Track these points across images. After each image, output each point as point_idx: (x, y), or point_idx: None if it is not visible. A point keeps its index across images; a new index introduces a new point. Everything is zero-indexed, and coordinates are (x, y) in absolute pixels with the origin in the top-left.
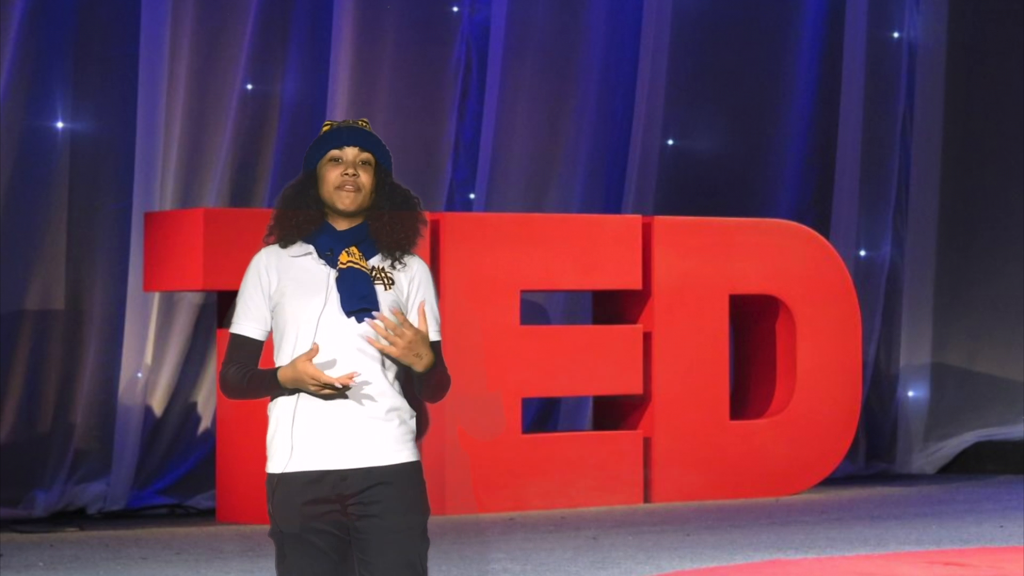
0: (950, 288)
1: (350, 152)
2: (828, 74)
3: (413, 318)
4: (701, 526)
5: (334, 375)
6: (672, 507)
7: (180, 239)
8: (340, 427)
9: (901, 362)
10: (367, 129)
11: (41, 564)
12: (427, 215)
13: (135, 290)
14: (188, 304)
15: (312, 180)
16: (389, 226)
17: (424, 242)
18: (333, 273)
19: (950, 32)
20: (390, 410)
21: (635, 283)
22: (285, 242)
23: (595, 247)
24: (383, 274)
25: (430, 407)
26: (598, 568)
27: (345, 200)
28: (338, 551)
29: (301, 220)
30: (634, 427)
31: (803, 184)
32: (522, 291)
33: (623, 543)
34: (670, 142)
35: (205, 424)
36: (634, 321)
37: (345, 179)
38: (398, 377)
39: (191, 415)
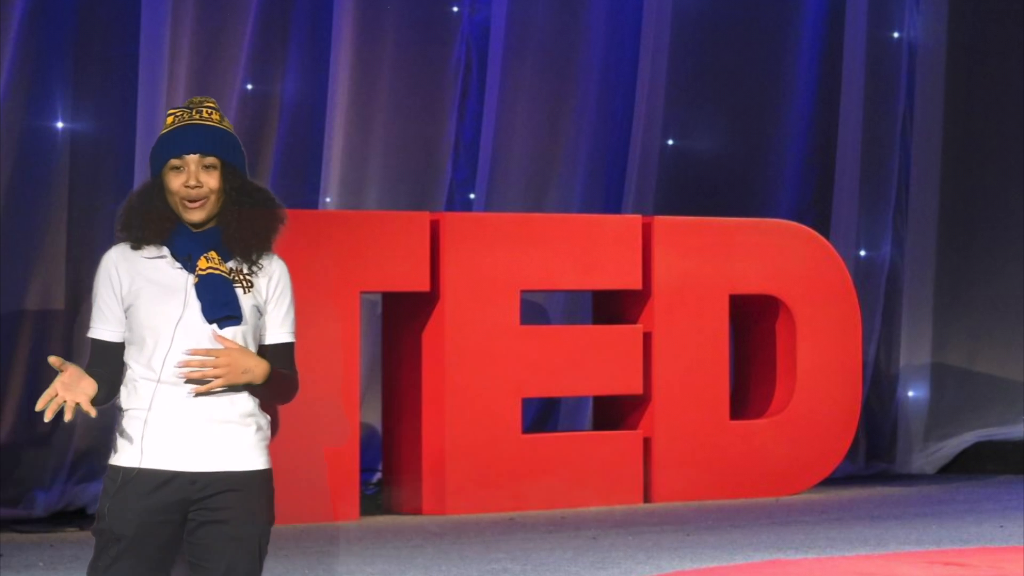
0: (950, 288)
1: (191, 160)
2: (828, 74)
3: (273, 316)
4: (701, 526)
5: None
6: (672, 507)
7: None
8: (195, 429)
9: (901, 362)
10: (210, 122)
11: (41, 564)
12: (427, 215)
13: None
14: None
15: (158, 188)
16: (240, 228)
17: (424, 241)
18: (191, 279)
19: (950, 32)
20: (247, 415)
21: (635, 283)
22: (138, 244)
23: (595, 247)
24: (242, 277)
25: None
26: (598, 568)
27: (192, 215)
28: (164, 560)
29: (153, 225)
30: (634, 427)
31: (803, 184)
32: (522, 291)
33: (623, 543)
34: (670, 142)
35: None
36: (634, 321)
37: (188, 191)
38: None
39: None
